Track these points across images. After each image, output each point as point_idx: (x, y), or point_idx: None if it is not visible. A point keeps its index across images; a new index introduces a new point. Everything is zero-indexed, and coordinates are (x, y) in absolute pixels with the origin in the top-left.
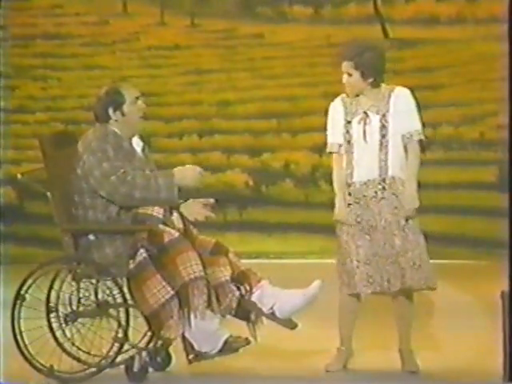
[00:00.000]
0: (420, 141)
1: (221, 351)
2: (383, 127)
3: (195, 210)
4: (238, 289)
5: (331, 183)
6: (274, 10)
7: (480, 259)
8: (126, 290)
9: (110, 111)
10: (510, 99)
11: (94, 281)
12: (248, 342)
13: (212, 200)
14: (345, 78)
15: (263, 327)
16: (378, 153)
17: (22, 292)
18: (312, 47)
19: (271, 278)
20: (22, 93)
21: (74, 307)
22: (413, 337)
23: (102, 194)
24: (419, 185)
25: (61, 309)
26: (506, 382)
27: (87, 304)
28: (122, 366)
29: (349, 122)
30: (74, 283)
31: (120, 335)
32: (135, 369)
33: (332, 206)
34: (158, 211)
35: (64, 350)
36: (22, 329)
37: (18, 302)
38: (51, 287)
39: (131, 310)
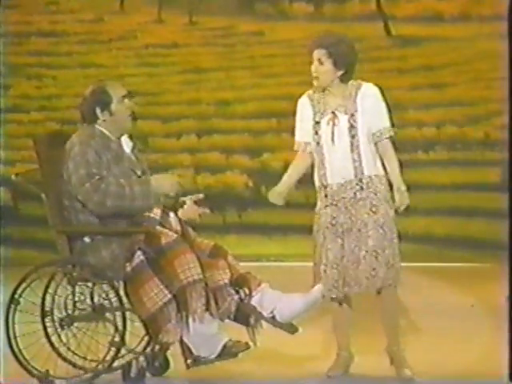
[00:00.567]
0: (390, 138)
1: (219, 356)
2: (352, 127)
3: (188, 208)
4: (237, 292)
5: None
6: (273, 7)
7: (485, 262)
8: (122, 293)
9: (98, 111)
10: (511, 99)
11: (89, 284)
12: (247, 347)
13: (201, 195)
14: (315, 66)
15: (263, 331)
16: (350, 154)
17: (17, 296)
18: None
19: (271, 281)
20: (16, 92)
21: (70, 311)
22: (417, 340)
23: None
24: (422, 186)
25: (56, 313)
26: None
27: (83, 308)
28: (119, 372)
29: (317, 123)
30: (69, 287)
31: (117, 340)
32: (132, 374)
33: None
34: (155, 212)
35: (59, 354)
36: (17, 333)
37: (13, 306)
38: (46, 291)
39: (128, 313)
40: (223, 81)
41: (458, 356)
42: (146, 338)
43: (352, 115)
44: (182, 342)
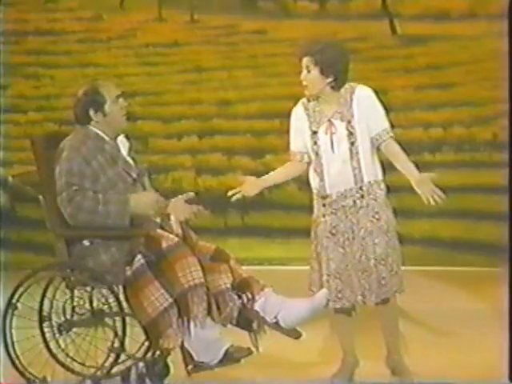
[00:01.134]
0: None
1: (221, 361)
2: (350, 134)
3: (180, 208)
4: (240, 297)
5: None
6: (277, 5)
7: (493, 266)
8: (122, 298)
9: (91, 112)
10: (511, 100)
11: (88, 288)
12: (250, 353)
13: (191, 194)
14: (303, 74)
15: (266, 337)
16: (350, 161)
17: (14, 301)
18: None
19: (274, 285)
20: (13, 92)
21: (68, 316)
22: (421, 343)
23: None
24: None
25: (54, 318)
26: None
27: (82, 313)
28: (118, 378)
29: (315, 133)
30: (67, 291)
31: (116, 345)
32: (132, 380)
33: None
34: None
35: (58, 360)
36: (14, 339)
37: (10, 310)
38: (44, 295)
39: (128, 318)
40: (225, 80)
41: (461, 358)
42: (146, 344)
43: (349, 122)
44: (182, 347)
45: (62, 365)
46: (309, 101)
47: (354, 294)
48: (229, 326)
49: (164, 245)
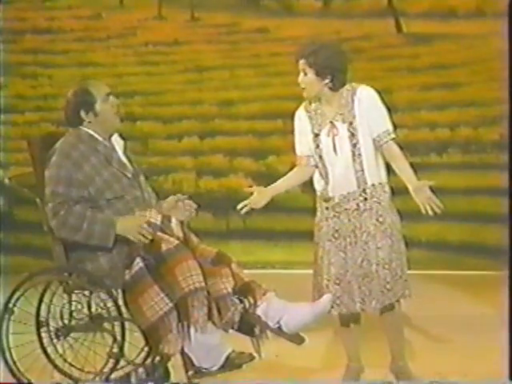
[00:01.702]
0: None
1: (222, 367)
2: (352, 136)
3: (180, 208)
4: (242, 302)
5: None
6: (279, 3)
7: (501, 270)
8: (121, 302)
9: (82, 113)
10: (511, 100)
11: (86, 293)
12: (252, 358)
13: (184, 196)
14: (300, 77)
15: (268, 342)
16: (352, 163)
17: (10, 305)
18: None
19: (277, 289)
20: (10, 91)
21: (66, 321)
22: (426, 346)
23: None
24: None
25: (52, 323)
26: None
27: (80, 318)
28: None
29: (317, 135)
30: (65, 295)
31: (115, 351)
32: None
33: None
34: (155, 217)
35: (55, 366)
36: (11, 344)
37: (6, 315)
38: (41, 300)
39: (127, 323)
40: (227, 80)
41: (468, 365)
42: (146, 349)
43: (351, 123)
44: (183, 352)
45: (60, 371)
46: (310, 103)
47: (352, 302)
48: (230, 331)
49: (164, 248)
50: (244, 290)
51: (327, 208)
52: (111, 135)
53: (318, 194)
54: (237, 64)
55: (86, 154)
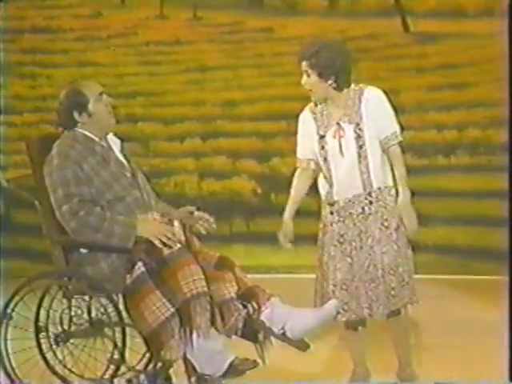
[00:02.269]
0: (399, 143)
1: (225, 374)
2: (359, 137)
3: (197, 216)
4: (245, 307)
5: None
6: (284, 2)
7: (507, 274)
8: (122, 307)
9: (76, 115)
10: (510, 101)
11: (86, 298)
12: (255, 365)
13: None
14: (304, 79)
15: (272, 348)
16: (358, 165)
17: (9, 310)
18: None
19: (281, 294)
20: (8, 92)
21: (66, 327)
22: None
23: None
24: (443, 193)
25: (51, 328)
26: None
27: (80, 323)
28: None
29: (322, 137)
30: (64, 300)
31: (116, 357)
32: None
33: None
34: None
35: (55, 373)
36: (9, 350)
37: (4, 321)
38: (40, 305)
39: (128, 329)
40: (230, 80)
41: (473, 369)
42: (148, 355)
43: (357, 124)
44: (185, 358)
45: (60, 377)
46: (316, 104)
47: (360, 307)
48: (234, 337)
49: (166, 252)
50: (247, 295)
51: (332, 212)
52: (106, 134)
53: (323, 198)
54: (240, 64)
55: (83, 154)
